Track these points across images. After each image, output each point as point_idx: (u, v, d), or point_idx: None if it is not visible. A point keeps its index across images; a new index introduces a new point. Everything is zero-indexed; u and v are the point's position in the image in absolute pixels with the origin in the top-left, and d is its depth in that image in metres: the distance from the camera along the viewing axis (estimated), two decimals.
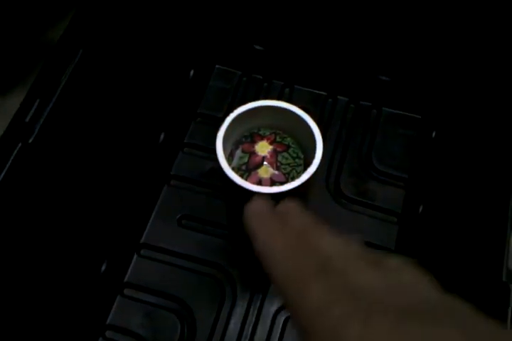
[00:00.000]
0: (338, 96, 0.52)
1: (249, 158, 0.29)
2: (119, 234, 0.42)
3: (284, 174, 0.29)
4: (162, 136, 0.47)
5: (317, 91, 0.52)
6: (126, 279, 0.42)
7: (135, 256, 0.43)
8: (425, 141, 0.47)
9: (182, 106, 0.49)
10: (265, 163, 0.29)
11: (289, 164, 0.29)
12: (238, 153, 0.30)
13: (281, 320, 0.40)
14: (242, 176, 0.29)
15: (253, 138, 0.30)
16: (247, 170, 0.29)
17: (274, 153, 0.30)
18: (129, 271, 0.42)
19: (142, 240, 0.44)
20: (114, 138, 0.40)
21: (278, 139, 0.30)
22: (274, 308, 0.41)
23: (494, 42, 0.38)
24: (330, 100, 0.52)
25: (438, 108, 0.47)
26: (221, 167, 0.27)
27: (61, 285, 0.36)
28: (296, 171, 0.28)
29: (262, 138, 0.30)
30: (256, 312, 0.40)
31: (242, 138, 0.30)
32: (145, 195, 0.45)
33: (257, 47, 0.52)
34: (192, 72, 0.51)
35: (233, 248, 0.42)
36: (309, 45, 0.49)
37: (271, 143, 0.30)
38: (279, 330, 0.40)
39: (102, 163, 0.40)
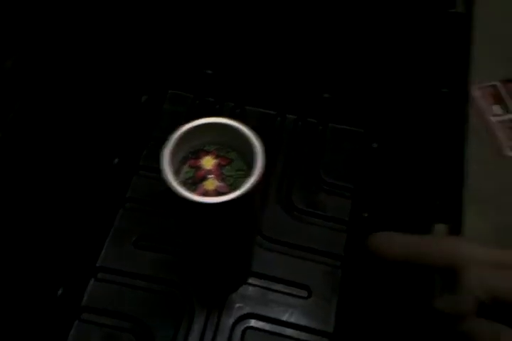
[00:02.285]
0: (287, 115, 0.54)
1: (195, 172, 0.31)
2: (74, 259, 0.42)
3: (229, 185, 0.31)
4: (116, 160, 0.48)
5: (267, 111, 0.55)
6: (83, 303, 0.42)
7: (92, 280, 0.43)
8: (367, 152, 0.49)
9: (136, 130, 0.51)
10: (210, 176, 0.31)
11: (232, 176, 0.31)
12: (184, 168, 0.31)
13: (239, 331, 0.41)
14: (189, 189, 0.30)
15: (198, 154, 0.32)
16: (193, 183, 0.30)
17: (219, 166, 0.31)
18: (86, 294, 0.42)
19: (98, 263, 0.44)
20: (69, 162, 0.41)
21: (222, 153, 0.32)
22: (231, 320, 0.41)
23: (423, 61, 0.42)
24: (279, 118, 0.54)
25: (378, 121, 0.50)
26: (166, 181, 0.28)
27: (17, 310, 0.36)
28: (239, 182, 0.30)
29: (207, 153, 0.32)
30: (214, 326, 0.41)
31: (189, 155, 0.32)
32: (100, 219, 0.46)
33: (208, 71, 0.54)
34: (144, 98, 0.53)
35: (188, 265, 0.43)
36: (257, 67, 0.52)
37: (215, 158, 0.32)
38: None
39: (57, 187, 0.40)
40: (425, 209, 0.30)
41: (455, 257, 0.21)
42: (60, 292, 0.40)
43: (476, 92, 0.61)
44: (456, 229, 0.28)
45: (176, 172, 0.31)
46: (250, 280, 0.44)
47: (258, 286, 0.43)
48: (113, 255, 0.45)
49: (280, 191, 0.49)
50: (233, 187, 0.29)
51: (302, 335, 0.41)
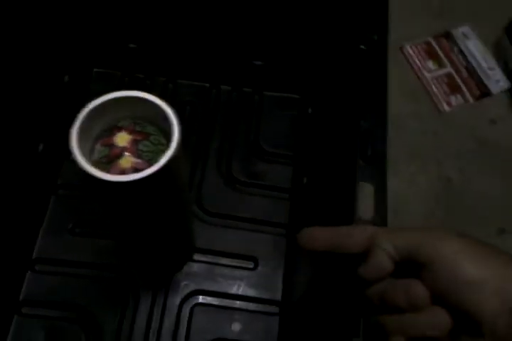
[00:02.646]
0: (221, 86, 0.53)
1: (110, 150, 0.29)
2: (7, 253, 0.40)
3: (148, 161, 0.29)
4: (41, 147, 0.45)
5: (200, 83, 0.53)
6: (22, 297, 0.40)
7: (28, 273, 0.41)
8: (304, 118, 0.49)
9: (61, 113, 0.48)
10: (126, 153, 0.29)
11: (150, 151, 0.30)
12: (98, 147, 0.30)
13: (187, 309, 0.40)
14: (104, 169, 0.28)
15: (112, 130, 0.30)
16: (108, 162, 0.29)
17: (134, 142, 0.29)
18: (24, 288, 0.41)
19: (34, 255, 0.42)
20: None
21: (138, 128, 0.30)
22: (178, 299, 0.41)
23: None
24: (214, 90, 0.53)
25: (311, 86, 0.49)
26: (77, 163, 0.27)
27: None
28: (159, 157, 0.28)
29: (120, 129, 0.30)
30: (161, 306, 0.40)
31: (102, 133, 0.30)
32: (32, 208, 0.43)
33: (131, 45, 0.51)
34: (67, 78, 0.50)
35: (128, 247, 0.41)
36: (184, 38, 0.50)
37: (130, 133, 0.30)
38: (186, 319, 0.40)
39: None
40: (353, 170, 0.29)
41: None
42: None
43: (410, 50, 0.61)
44: (380, 187, 0.28)
45: (90, 152, 0.30)
46: (195, 257, 0.43)
47: (203, 262, 0.43)
48: (50, 245, 0.43)
49: (220, 164, 0.48)
50: (153, 163, 0.28)
51: (251, 306, 0.41)
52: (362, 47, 0.33)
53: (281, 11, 0.44)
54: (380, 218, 0.27)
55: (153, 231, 0.38)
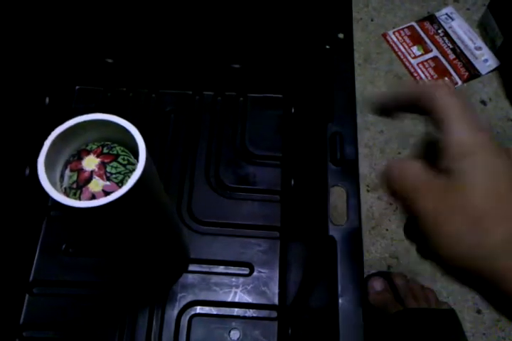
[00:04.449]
0: (204, 92, 0.53)
1: (78, 175, 0.29)
2: (5, 277, 0.41)
3: (117, 183, 0.29)
4: (28, 170, 0.46)
5: (183, 92, 0.53)
6: (22, 321, 0.41)
7: (27, 296, 0.42)
8: (288, 117, 0.48)
9: (45, 134, 0.48)
10: (94, 176, 0.29)
11: (120, 172, 0.29)
12: (67, 172, 0.30)
13: (185, 320, 0.41)
14: (74, 195, 0.29)
15: (80, 154, 0.30)
16: (78, 187, 0.29)
17: (102, 165, 0.29)
18: (24, 311, 0.41)
19: (31, 277, 0.43)
20: None
21: (105, 150, 0.30)
22: (176, 311, 0.41)
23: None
24: (197, 97, 0.53)
25: (291, 85, 0.48)
26: (47, 191, 0.27)
27: None
28: (129, 177, 0.28)
29: (88, 152, 0.30)
30: (159, 320, 0.40)
31: (70, 158, 0.30)
32: (25, 231, 0.44)
33: (108, 60, 0.51)
34: (47, 99, 0.50)
35: (122, 264, 0.42)
36: (161, 49, 0.49)
37: (98, 156, 0.30)
38: (185, 331, 0.40)
39: None
40: (325, 173, 0.29)
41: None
42: None
43: (393, 37, 0.59)
44: (353, 190, 0.27)
45: (61, 178, 0.30)
46: (190, 268, 0.43)
47: (199, 272, 0.43)
48: (46, 266, 0.43)
49: (208, 171, 0.48)
50: (124, 184, 0.28)
51: (249, 312, 0.41)
52: (327, 46, 0.32)
53: (253, 14, 0.44)
54: (354, 222, 0.26)
55: (140, 246, 0.38)
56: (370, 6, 0.61)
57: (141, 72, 0.52)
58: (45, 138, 0.48)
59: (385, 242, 0.48)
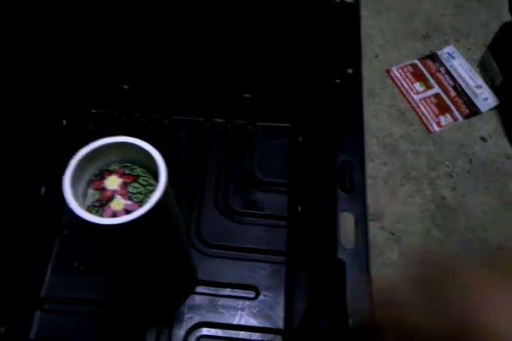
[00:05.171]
0: (215, 119, 0.55)
1: (101, 194, 0.31)
2: (15, 293, 0.42)
3: (137, 202, 0.31)
4: (43, 189, 0.47)
5: (195, 118, 0.55)
6: (31, 337, 0.41)
7: (38, 312, 0.43)
8: (295, 146, 0.50)
9: (61, 156, 0.50)
10: (117, 196, 0.31)
11: (140, 193, 0.31)
12: (90, 191, 0.31)
13: (193, 340, 0.41)
14: (97, 213, 0.30)
15: (102, 174, 0.32)
16: (100, 205, 0.30)
17: (124, 185, 0.31)
18: (34, 327, 0.42)
19: (42, 294, 0.44)
20: None
21: (127, 171, 0.32)
22: (183, 332, 0.42)
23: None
24: (208, 124, 0.55)
25: (299, 115, 0.51)
26: (70, 207, 0.28)
27: None
28: (149, 198, 0.30)
29: (111, 173, 0.32)
30: (167, 339, 0.41)
31: (93, 177, 0.32)
32: (38, 249, 0.45)
33: (125, 86, 0.54)
34: (65, 122, 0.52)
35: (131, 283, 0.43)
36: (175, 76, 0.52)
37: (120, 177, 0.31)
38: None
39: None
40: (334, 199, 0.30)
41: None
42: (2, 330, 0.39)
43: (397, 73, 0.62)
44: (361, 217, 0.29)
45: (83, 196, 0.31)
46: (197, 289, 0.44)
47: (205, 294, 0.44)
48: (57, 283, 0.44)
49: (217, 196, 0.50)
50: (144, 204, 0.29)
51: (255, 336, 0.42)
52: (337, 81, 0.34)
53: (266, 48, 0.47)
54: (361, 247, 0.28)
55: (151, 267, 0.39)
56: (375, 42, 0.64)
57: (155, 98, 0.55)
58: (62, 158, 0.50)
59: (388, 271, 0.49)
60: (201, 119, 0.55)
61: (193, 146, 0.53)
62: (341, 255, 0.27)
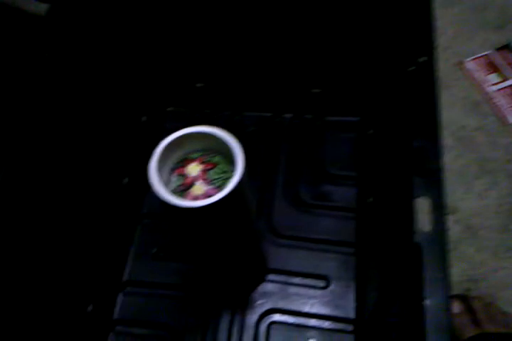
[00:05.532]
0: (283, 115, 0.56)
1: (183, 180, 0.33)
2: (101, 276, 0.45)
3: (217, 187, 0.32)
4: (126, 180, 0.50)
5: (263, 114, 0.57)
6: (115, 316, 0.45)
7: (120, 294, 0.46)
8: (365, 139, 0.50)
9: (141, 149, 0.53)
10: (197, 181, 0.33)
11: (219, 178, 0.33)
12: (173, 177, 0.33)
13: (264, 326, 0.42)
14: (180, 196, 0.32)
15: (184, 162, 0.34)
16: (183, 191, 0.33)
17: (204, 171, 0.33)
18: (117, 308, 0.45)
19: (125, 278, 0.47)
20: (79, 188, 0.44)
21: (206, 159, 0.34)
22: (255, 317, 0.43)
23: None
24: (277, 119, 0.56)
25: (370, 108, 0.51)
26: (157, 193, 0.31)
27: (52, 329, 0.39)
28: (227, 183, 0.31)
29: (192, 161, 0.34)
30: (239, 325, 0.43)
31: (175, 165, 0.34)
32: (121, 236, 0.48)
33: (199, 84, 0.56)
34: (144, 118, 0.56)
35: (204, 269, 0.45)
36: (245, 73, 0.54)
37: (200, 164, 0.33)
38: (264, 337, 0.42)
39: (73, 211, 0.43)
40: (410, 186, 0.30)
41: None
42: (90, 308, 0.43)
43: (470, 64, 0.60)
44: (438, 202, 0.29)
45: (167, 182, 0.34)
46: (269, 277, 0.45)
47: (277, 282, 0.45)
48: (137, 269, 0.47)
49: (287, 188, 0.51)
50: (222, 188, 0.31)
51: (325, 324, 0.42)
52: (411, 68, 0.35)
53: (333, 41, 0.47)
54: (439, 231, 0.28)
55: (227, 253, 0.41)
56: (446, 34, 0.63)
57: (225, 95, 0.57)
58: (142, 152, 0.53)
59: (463, 266, 0.48)
60: (270, 114, 0.56)
61: (263, 141, 0.55)
62: (418, 239, 0.27)
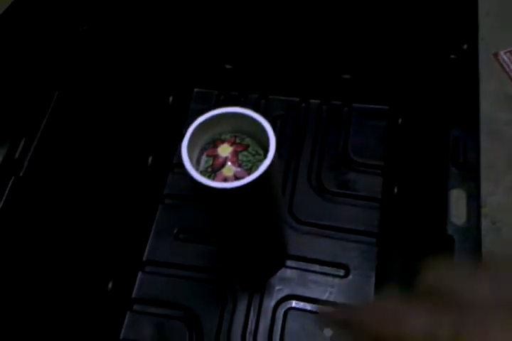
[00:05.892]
0: (310, 100, 0.55)
1: (214, 160, 0.32)
2: (121, 254, 0.45)
3: (246, 170, 0.32)
4: (150, 160, 0.50)
5: (290, 98, 0.56)
6: (134, 295, 0.45)
7: (140, 273, 0.46)
8: (393, 128, 0.49)
9: (167, 130, 0.53)
10: (228, 162, 0.32)
11: (249, 161, 0.32)
12: (203, 158, 0.33)
13: (281, 312, 0.42)
14: (209, 177, 0.32)
15: (215, 143, 0.33)
16: (212, 171, 0.32)
17: (235, 153, 0.33)
18: (136, 287, 0.45)
19: (145, 257, 0.47)
20: (103, 166, 0.44)
21: (237, 141, 0.33)
22: (273, 303, 0.43)
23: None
24: (303, 104, 0.55)
25: (400, 97, 0.50)
26: (188, 172, 0.30)
27: (72, 305, 0.39)
28: (257, 166, 0.31)
29: (223, 141, 0.33)
30: (257, 309, 0.43)
31: (206, 145, 0.33)
32: (142, 216, 0.48)
33: (227, 66, 0.55)
34: (171, 98, 0.55)
35: (227, 253, 0.44)
36: (274, 57, 0.53)
37: (231, 145, 0.33)
38: (281, 323, 0.42)
39: (100, 189, 0.43)
40: (445, 177, 0.30)
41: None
42: (110, 286, 0.43)
43: (505, 57, 0.59)
44: (474, 194, 0.28)
45: (197, 163, 0.33)
46: (288, 264, 0.45)
47: (296, 268, 0.44)
48: (157, 249, 0.47)
49: (310, 174, 0.50)
50: (252, 171, 0.31)
51: None
52: (452, 56, 0.33)
53: (368, 24, 0.46)
54: (473, 224, 0.27)
55: (250, 237, 0.41)
56: (481, 25, 0.61)
57: (253, 77, 0.56)
58: (168, 132, 0.53)
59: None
60: (297, 99, 0.56)
61: (288, 126, 0.54)
62: (451, 231, 0.27)
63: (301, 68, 0.53)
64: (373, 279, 0.43)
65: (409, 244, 0.37)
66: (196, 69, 0.56)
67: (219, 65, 0.55)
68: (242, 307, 0.43)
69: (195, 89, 0.57)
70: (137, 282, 0.46)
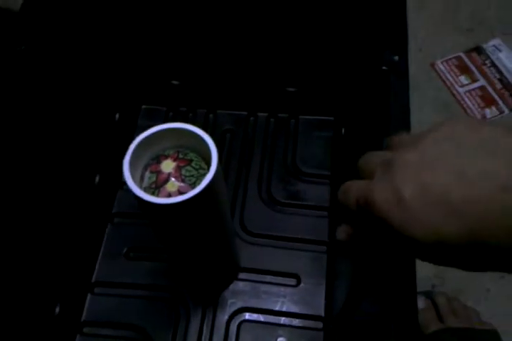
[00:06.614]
0: (258, 113, 0.56)
1: (157, 176, 0.32)
2: (69, 277, 0.44)
3: (190, 185, 0.32)
4: (98, 178, 0.49)
5: (238, 112, 0.56)
6: (83, 318, 0.44)
7: (89, 295, 0.45)
8: (338, 138, 0.51)
9: (114, 147, 0.52)
10: (171, 178, 0.32)
11: (193, 175, 0.32)
12: (147, 174, 0.33)
13: (234, 326, 0.42)
14: (153, 194, 0.32)
15: (159, 159, 0.33)
16: (156, 187, 0.32)
17: (178, 168, 0.33)
18: (85, 309, 0.44)
19: (94, 279, 0.46)
20: (48, 186, 0.43)
21: (181, 156, 0.33)
22: (226, 317, 0.43)
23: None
24: (252, 118, 0.56)
25: (342, 108, 0.51)
26: (130, 189, 0.30)
27: (18, 331, 0.37)
28: (201, 180, 0.31)
29: (166, 157, 0.33)
30: (210, 324, 0.42)
31: (150, 161, 0.33)
32: (90, 236, 0.47)
33: (174, 82, 0.55)
34: (117, 115, 0.55)
35: (177, 268, 0.44)
36: (221, 72, 0.54)
37: (174, 160, 0.33)
38: (234, 336, 0.42)
39: (41, 209, 0.42)
40: None
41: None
42: (57, 310, 0.41)
43: (441, 66, 0.62)
44: None
45: (141, 179, 0.33)
46: (240, 276, 0.45)
47: (248, 280, 0.45)
48: (107, 269, 0.46)
49: (260, 186, 0.51)
50: (196, 186, 0.31)
51: (296, 322, 0.42)
52: (384, 68, 0.35)
53: (309, 40, 0.47)
54: None
55: (199, 252, 0.41)
56: (418, 36, 0.64)
57: (201, 93, 0.56)
58: (114, 150, 0.52)
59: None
60: (245, 113, 0.56)
61: (237, 139, 0.55)
62: None
63: (247, 82, 0.54)
64: (324, 286, 0.44)
65: (357, 250, 0.38)
66: (143, 86, 0.55)
67: (166, 81, 0.55)
68: (195, 324, 0.43)
69: (143, 106, 0.57)
70: (86, 304, 0.44)
